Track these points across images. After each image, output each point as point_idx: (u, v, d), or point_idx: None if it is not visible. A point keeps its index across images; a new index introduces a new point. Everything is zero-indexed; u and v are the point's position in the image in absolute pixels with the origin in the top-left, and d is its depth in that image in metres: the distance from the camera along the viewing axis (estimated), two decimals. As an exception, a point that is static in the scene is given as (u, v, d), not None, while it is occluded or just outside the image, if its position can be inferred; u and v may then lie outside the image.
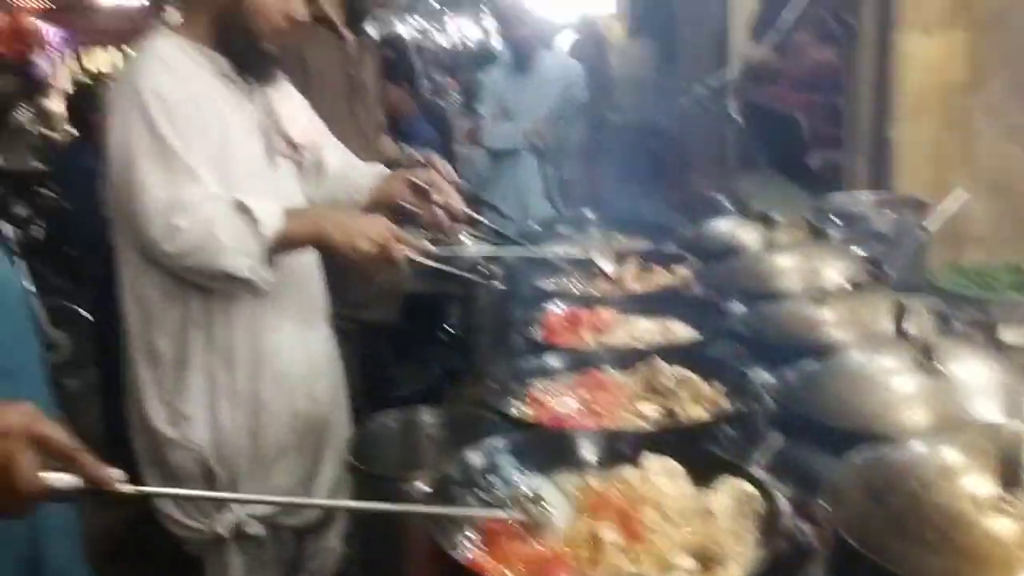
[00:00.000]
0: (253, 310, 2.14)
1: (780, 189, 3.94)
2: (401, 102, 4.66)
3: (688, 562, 1.18)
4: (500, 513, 1.26)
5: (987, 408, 1.45)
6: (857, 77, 3.61)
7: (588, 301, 2.20)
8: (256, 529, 2.18)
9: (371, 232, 1.99)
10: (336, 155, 2.45)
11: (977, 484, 1.14)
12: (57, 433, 1.02)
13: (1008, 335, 2.32)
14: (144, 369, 2.14)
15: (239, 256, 1.95)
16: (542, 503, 1.24)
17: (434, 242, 2.47)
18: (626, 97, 5.54)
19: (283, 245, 2.01)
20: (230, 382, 2.13)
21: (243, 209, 1.95)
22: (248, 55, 2.13)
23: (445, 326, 4.34)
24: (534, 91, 4.99)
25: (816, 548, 1.28)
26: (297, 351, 2.22)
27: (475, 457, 1.40)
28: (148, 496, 2.10)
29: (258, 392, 2.16)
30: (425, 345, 4.21)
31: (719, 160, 3.60)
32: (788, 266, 2.22)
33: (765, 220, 2.54)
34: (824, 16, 4.21)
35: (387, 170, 2.49)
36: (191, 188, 1.95)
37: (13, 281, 1.41)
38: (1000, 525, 1.09)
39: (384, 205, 2.38)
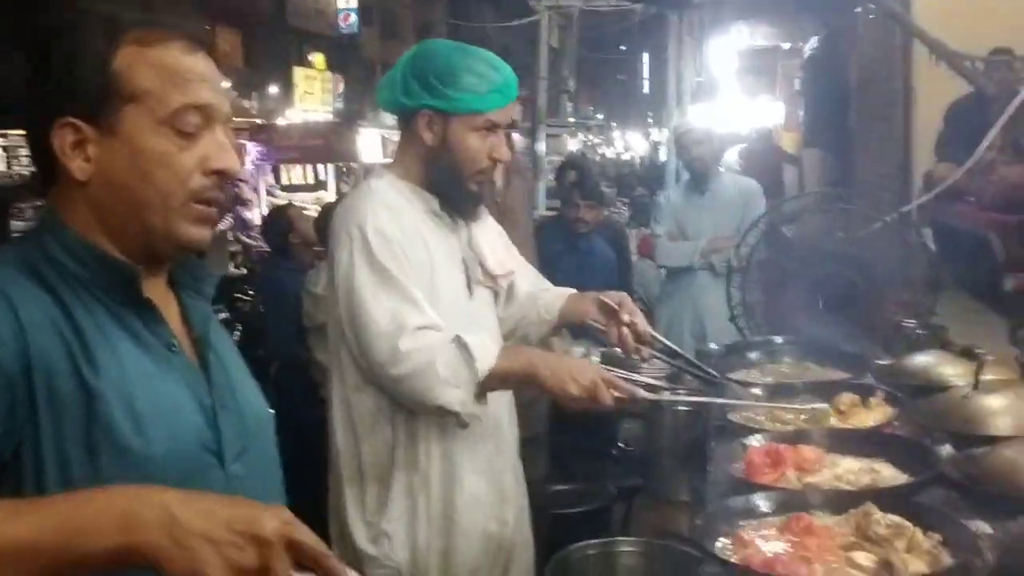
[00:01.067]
0: (452, 436, 2.23)
1: (975, 315, 3.79)
2: (591, 222, 4.79)
3: None
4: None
5: None
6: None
7: (792, 438, 2.17)
8: None
9: (581, 377, 2.07)
10: (527, 278, 2.58)
11: None
12: (311, 538, 1.06)
13: None
14: (349, 486, 2.24)
15: (453, 389, 2.05)
16: None
17: (622, 363, 2.53)
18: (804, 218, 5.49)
19: (495, 381, 2.10)
20: (427, 502, 2.22)
21: (461, 344, 2.06)
22: (455, 194, 2.29)
23: (620, 443, 4.32)
24: (712, 210, 5.03)
25: None
26: (486, 475, 2.30)
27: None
28: None
29: (452, 513, 2.24)
30: (597, 462, 4.19)
31: (910, 286, 3.51)
32: (1000, 406, 2.14)
33: (970, 355, 2.46)
34: (1018, 133, 4.11)
35: (573, 290, 2.59)
36: (414, 316, 2.08)
37: (268, 411, 1.53)
38: None
39: (573, 323, 2.49)
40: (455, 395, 2.06)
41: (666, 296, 5.34)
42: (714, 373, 2.61)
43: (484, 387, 2.08)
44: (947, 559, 1.58)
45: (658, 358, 2.76)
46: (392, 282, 2.09)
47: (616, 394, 2.08)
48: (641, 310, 2.53)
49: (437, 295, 2.19)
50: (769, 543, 1.71)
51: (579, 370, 2.09)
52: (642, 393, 2.14)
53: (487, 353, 2.06)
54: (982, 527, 1.74)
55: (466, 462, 2.26)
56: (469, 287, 2.32)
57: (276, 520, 1.04)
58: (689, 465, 3.11)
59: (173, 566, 1.02)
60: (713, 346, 3.38)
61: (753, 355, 3.10)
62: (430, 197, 2.27)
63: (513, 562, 2.39)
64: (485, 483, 2.29)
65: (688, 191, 5.26)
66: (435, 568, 2.23)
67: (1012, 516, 1.68)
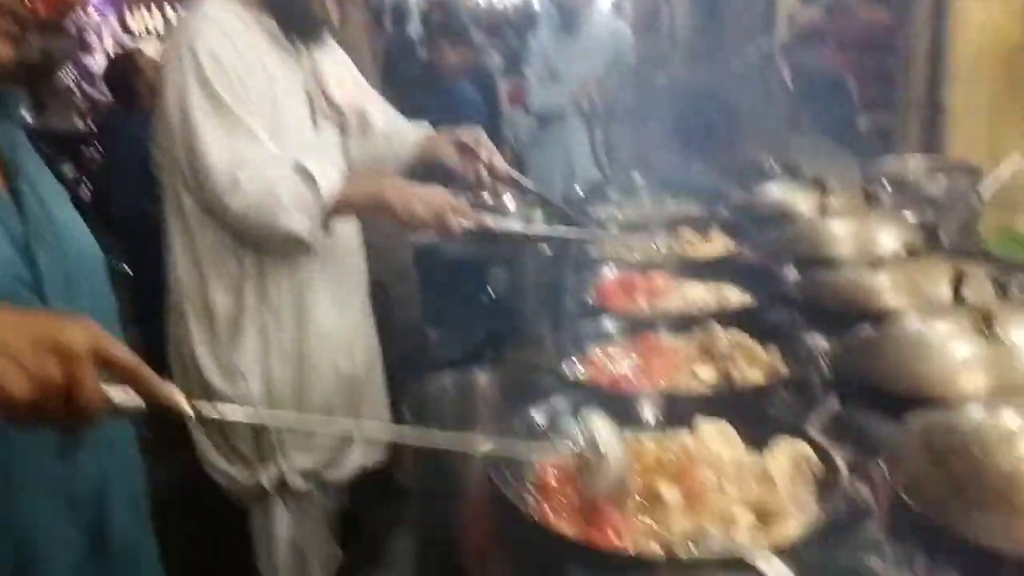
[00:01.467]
0: (300, 269, 2.17)
1: (830, 152, 3.90)
2: (456, 65, 4.65)
3: (747, 517, 1.21)
4: (561, 449, 1.30)
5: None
6: (910, 38, 3.55)
7: (642, 266, 2.21)
8: (298, 483, 2.24)
9: (432, 203, 2.03)
10: (382, 114, 2.47)
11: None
12: (122, 352, 1.01)
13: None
14: (196, 324, 2.17)
15: (298, 216, 1.98)
16: (602, 447, 1.26)
17: (480, 204, 2.50)
18: (671, 59, 5.50)
19: (341, 208, 2.04)
20: (279, 337, 2.17)
21: (302, 171, 1.98)
22: (295, 16, 2.14)
23: (488, 289, 4.36)
24: (582, 53, 4.94)
25: (873, 508, 1.30)
26: (337, 313, 2.26)
27: (535, 415, 1.44)
28: (207, 418, 2.14)
29: (303, 349, 2.20)
30: (466, 308, 4.24)
31: (768, 123, 3.57)
32: (842, 232, 2.22)
33: (818, 185, 2.53)
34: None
35: (431, 129, 2.51)
36: (251, 147, 1.99)
37: (98, 251, 1.44)
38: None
39: (429, 163, 2.43)
40: (300, 221, 1.99)
41: (537, 144, 5.29)
42: (569, 212, 2.62)
43: (330, 213, 2.02)
44: (784, 370, 1.65)
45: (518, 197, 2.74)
46: (227, 113, 1.98)
47: (464, 223, 2.05)
48: (512, 157, 2.49)
49: (279, 127, 2.08)
50: (617, 363, 1.75)
51: (429, 195, 2.05)
52: (491, 222, 2.12)
53: (329, 179, 2.00)
54: (819, 341, 1.82)
55: (317, 297, 2.21)
56: (314, 120, 2.20)
57: (83, 333, 0.98)
58: (551, 303, 3.19)
59: None
60: (579, 188, 3.40)
61: (613, 193, 3.12)
62: (269, 20, 2.12)
63: (364, 404, 2.37)
64: (336, 319, 2.25)
65: (558, 33, 5.15)
66: (289, 404, 2.20)
67: (846, 329, 1.75)
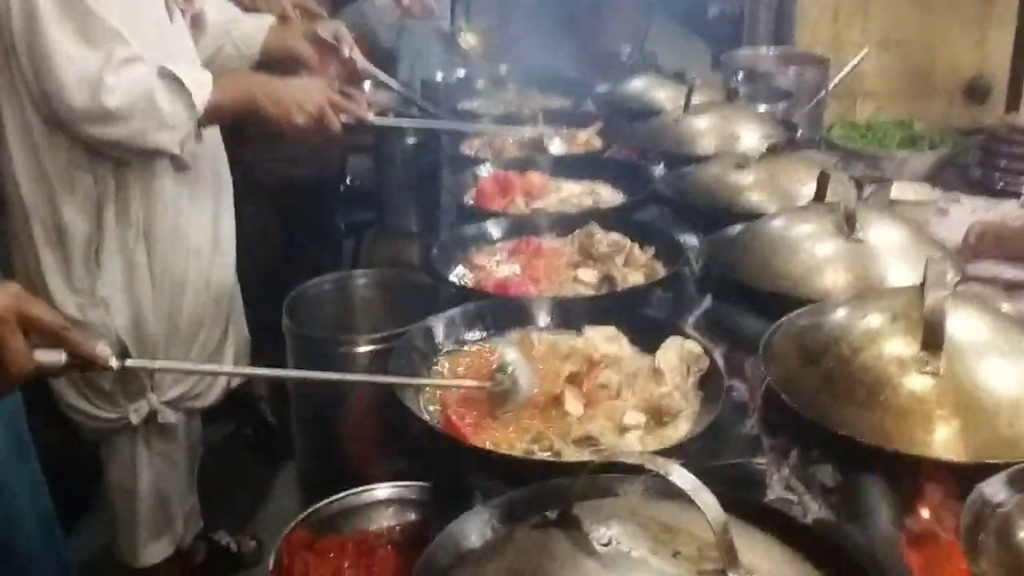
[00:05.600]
0: (165, 182, 2.01)
1: (683, 40, 3.96)
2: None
3: (640, 419, 1.27)
4: (471, 383, 1.33)
5: (904, 273, 1.57)
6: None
7: (517, 165, 2.22)
8: (169, 416, 2.15)
9: (307, 102, 1.90)
10: (216, 5, 2.25)
11: (901, 346, 1.26)
12: (44, 311, 1.01)
13: (905, 192, 2.47)
14: (47, 250, 1.96)
15: (170, 130, 1.82)
16: (509, 369, 1.29)
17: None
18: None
19: (212, 117, 1.89)
20: (147, 260, 2.02)
21: (171, 77, 1.80)
22: None
23: (348, 180, 4.28)
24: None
25: (750, 404, 1.40)
26: (207, 224, 2.14)
27: (432, 325, 1.45)
28: (137, 369, 2.05)
29: (175, 267, 2.07)
30: (327, 200, 4.14)
31: (626, 13, 3.58)
32: (706, 127, 2.29)
33: (681, 80, 2.58)
34: None
35: (274, 20, 2.33)
36: (116, 50, 1.76)
37: None
38: (921, 384, 1.22)
39: (278, 58, 2.27)
40: (173, 136, 1.83)
41: (401, 36, 5.11)
42: (432, 110, 2.58)
43: (201, 122, 1.88)
44: (661, 270, 1.71)
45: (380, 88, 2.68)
46: (83, 12, 1.75)
47: (344, 118, 1.97)
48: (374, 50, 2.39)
49: (137, 24, 1.85)
50: (501, 266, 1.77)
51: (304, 94, 1.91)
52: (371, 116, 2.04)
53: (202, 86, 1.83)
54: (689, 239, 1.89)
55: (187, 210, 2.06)
56: (168, 10, 2.01)
57: (5, 297, 0.97)
58: (420, 198, 3.17)
59: None
60: (439, 78, 3.33)
61: (479, 84, 3.09)
62: None
63: (234, 313, 2.30)
64: (208, 231, 2.13)
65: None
66: (159, 329, 2.08)
67: (716, 228, 1.83)
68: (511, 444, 1.22)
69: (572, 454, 1.19)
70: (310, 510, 1.93)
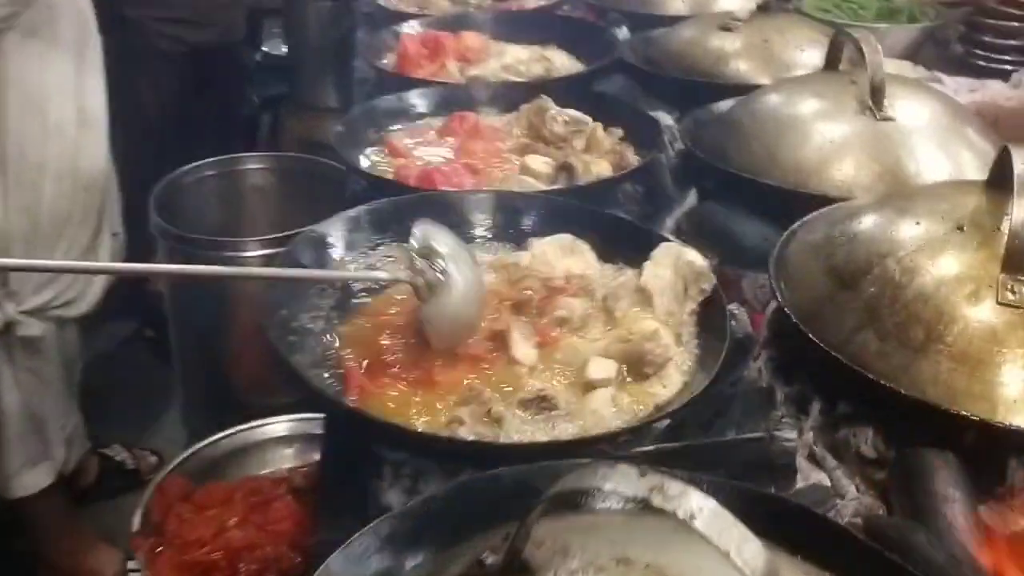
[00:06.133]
0: (13, 42, 1.69)
1: None
2: None
3: (611, 369, 0.91)
4: (387, 275, 0.98)
5: (944, 164, 1.22)
6: None
7: (450, 23, 1.80)
8: (33, 328, 1.85)
9: None
10: None
11: (972, 266, 0.92)
12: None
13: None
14: None
15: None
16: (437, 261, 0.92)
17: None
18: None
19: None
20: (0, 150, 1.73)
21: None
22: None
23: (263, 48, 3.80)
24: None
25: (754, 339, 1.05)
26: (71, 95, 1.82)
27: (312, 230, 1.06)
28: None
29: (33, 151, 1.77)
30: (234, 70, 3.67)
31: None
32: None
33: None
34: None
35: None
36: None
37: None
38: (1003, 320, 0.88)
39: None
40: None
41: None
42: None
43: None
44: (632, 158, 1.33)
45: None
46: None
47: None
48: None
49: None
50: (428, 149, 1.39)
51: None
52: None
53: None
54: (664, 118, 1.52)
55: (40, 76, 1.75)
56: None
57: None
58: (337, 66, 2.73)
59: None
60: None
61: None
62: None
63: (109, 203, 1.96)
64: (70, 104, 1.81)
65: None
66: (15, 226, 1.77)
67: (697, 103, 1.46)
68: (432, 408, 0.86)
69: (516, 424, 0.84)
70: (188, 452, 1.61)
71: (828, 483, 0.86)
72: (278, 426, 1.61)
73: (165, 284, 1.84)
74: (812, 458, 0.92)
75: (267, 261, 1.48)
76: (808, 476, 0.86)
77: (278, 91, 3.36)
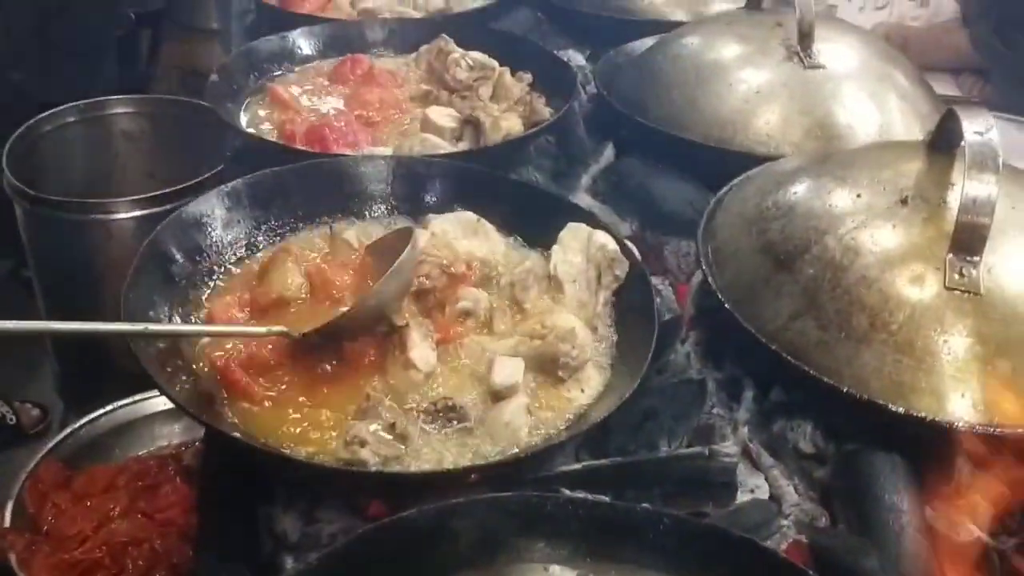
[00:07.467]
0: None
1: None
2: None
3: (518, 372, 0.80)
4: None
5: (867, 111, 1.13)
6: None
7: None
8: None
9: None
10: None
11: (919, 246, 0.84)
12: None
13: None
14: None
15: None
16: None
17: None
18: None
19: None
20: None
21: None
22: None
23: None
24: None
25: (680, 318, 0.96)
26: None
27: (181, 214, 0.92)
28: None
29: None
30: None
31: None
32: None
33: None
34: None
35: None
36: None
37: None
38: (953, 306, 0.81)
39: None
40: None
41: None
42: None
43: None
44: (543, 109, 1.21)
45: None
46: None
47: None
48: None
49: None
50: (315, 99, 1.24)
51: None
52: None
53: None
54: (575, 58, 1.40)
55: None
56: None
57: None
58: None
59: None
60: None
61: None
62: None
63: None
64: None
65: None
66: None
67: (606, 40, 1.35)
68: (320, 424, 0.75)
69: (424, 440, 0.74)
70: (64, 433, 1.46)
71: (767, 493, 0.79)
72: (163, 399, 1.46)
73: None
74: (747, 455, 0.85)
75: (141, 223, 1.31)
76: (746, 482, 0.79)
77: (153, 6, 3.08)
